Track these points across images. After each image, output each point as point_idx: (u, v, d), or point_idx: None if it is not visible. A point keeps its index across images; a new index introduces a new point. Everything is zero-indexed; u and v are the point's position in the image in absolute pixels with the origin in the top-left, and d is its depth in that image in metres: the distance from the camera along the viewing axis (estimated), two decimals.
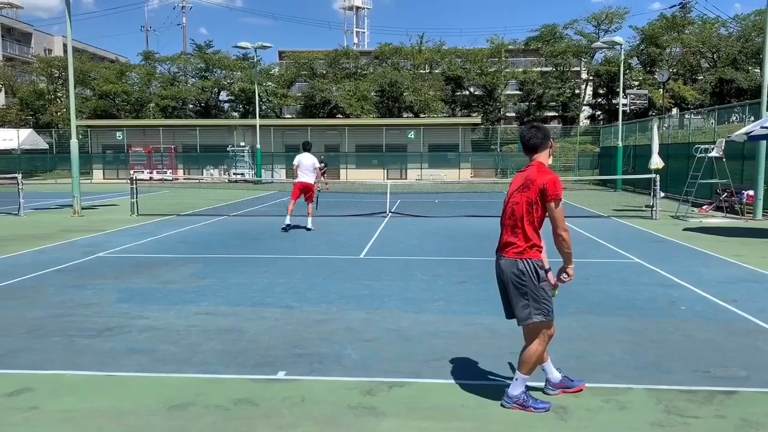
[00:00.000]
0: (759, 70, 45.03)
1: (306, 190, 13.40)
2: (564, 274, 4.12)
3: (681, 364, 4.95)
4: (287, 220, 13.32)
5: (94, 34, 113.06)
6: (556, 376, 4.36)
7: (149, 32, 76.29)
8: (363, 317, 6.36)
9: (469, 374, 4.75)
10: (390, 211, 17.13)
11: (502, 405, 4.11)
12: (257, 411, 4.09)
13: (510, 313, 4.20)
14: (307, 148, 13.66)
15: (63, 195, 22.85)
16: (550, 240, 4.06)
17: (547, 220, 4.05)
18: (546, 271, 4.13)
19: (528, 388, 4.15)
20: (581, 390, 4.35)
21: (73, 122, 17.99)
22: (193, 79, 54.23)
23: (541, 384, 4.40)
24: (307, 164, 13.34)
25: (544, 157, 4.13)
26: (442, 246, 11.26)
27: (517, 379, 4.10)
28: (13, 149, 39.15)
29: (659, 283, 8.00)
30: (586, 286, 7.67)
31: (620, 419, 3.95)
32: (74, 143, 17.66)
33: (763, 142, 14.87)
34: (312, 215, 13.62)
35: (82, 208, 17.37)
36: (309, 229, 13.29)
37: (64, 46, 47.07)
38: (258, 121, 35.87)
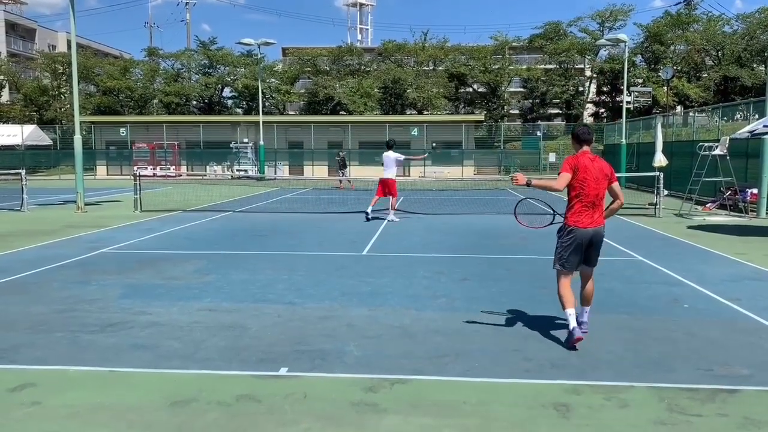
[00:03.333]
0: (764, 68, 45.04)
1: (388, 186, 14.59)
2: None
3: (683, 362, 4.94)
4: (369, 212, 14.67)
5: (98, 30, 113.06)
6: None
7: (153, 29, 76.35)
8: (365, 314, 6.36)
9: (471, 371, 4.75)
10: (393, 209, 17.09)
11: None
12: (260, 407, 4.10)
13: (578, 265, 5.50)
14: (389, 145, 14.92)
15: (67, 191, 22.89)
16: None
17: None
18: None
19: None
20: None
21: (77, 118, 18.03)
22: (197, 76, 54.24)
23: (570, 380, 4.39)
24: (389, 161, 14.58)
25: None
26: (445, 243, 11.26)
27: (587, 312, 5.59)
28: (17, 145, 39.27)
29: (662, 281, 7.99)
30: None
31: (622, 417, 3.95)
32: (78, 139, 17.70)
33: (767, 138, 14.82)
34: (394, 209, 14.86)
35: (86, 204, 17.42)
36: (391, 221, 14.38)
37: (68, 42, 47.09)
38: (261, 118, 35.90)
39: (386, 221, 14.36)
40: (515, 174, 5.47)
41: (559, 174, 5.43)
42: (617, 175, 5.68)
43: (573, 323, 5.25)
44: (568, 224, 5.43)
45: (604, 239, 5.57)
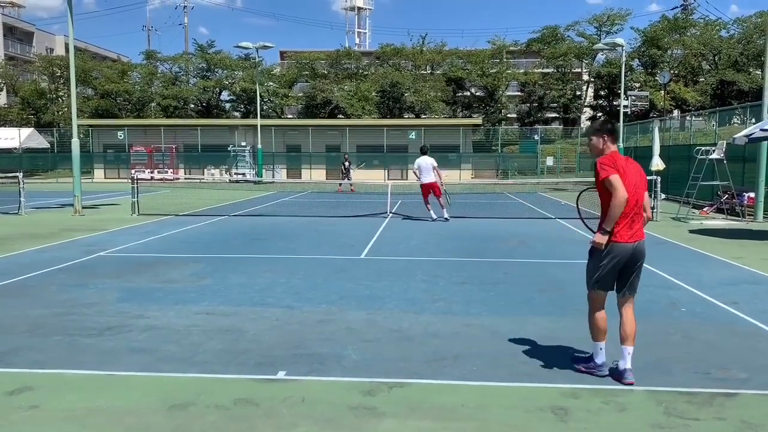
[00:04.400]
0: (760, 72, 45.11)
1: (432, 189, 15.13)
2: None
3: (681, 365, 4.95)
4: (433, 215, 15.17)
5: (96, 33, 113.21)
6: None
7: (151, 32, 76.39)
8: (363, 317, 6.36)
9: (469, 375, 4.75)
10: (391, 212, 17.13)
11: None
12: (257, 411, 4.10)
13: (621, 288, 4.67)
14: (424, 151, 15.39)
15: (64, 194, 22.86)
16: None
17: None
18: None
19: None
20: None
21: (75, 121, 18.01)
22: (195, 79, 54.26)
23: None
24: (426, 166, 14.98)
25: None
26: (443, 247, 11.27)
27: (629, 354, 4.59)
28: (14, 148, 39.12)
29: (660, 284, 8.00)
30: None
31: (620, 421, 3.96)
32: (75, 142, 17.68)
33: (764, 144, 14.87)
34: (444, 206, 15.21)
35: (83, 207, 17.39)
36: (447, 219, 14.94)
37: (66, 45, 47.10)
38: (259, 121, 35.90)
39: (442, 219, 14.95)
40: (594, 240, 4.57)
41: (602, 183, 4.51)
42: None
43: (602, 358, 4.69)
44: None
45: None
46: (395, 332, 5.85)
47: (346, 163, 29.23)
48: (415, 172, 15.44)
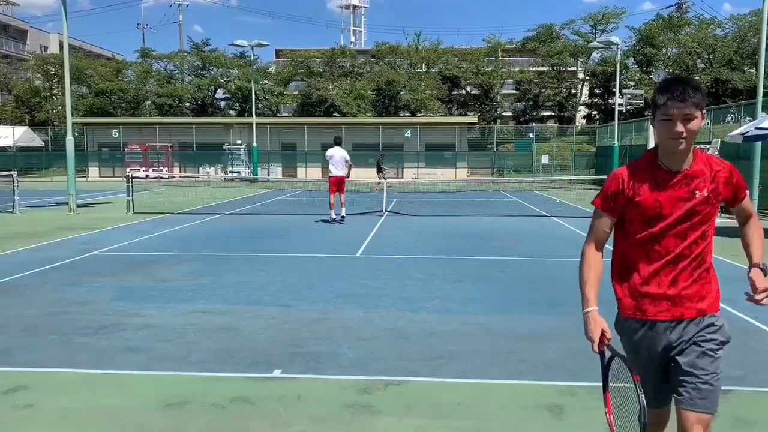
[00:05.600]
0: (754, 71, 45.26)
1: (339, 184, 14.19)
2: None
3: None
4: (333, 215, 14.29)
5: (90, 31, 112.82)
6: None
7: (145, 30, 76.13)
8: (359, 316, 6.36)
9: (465, 373, 4.76)
10: (386, 210, 17.13)
11: None
12: (253, 409, 4.09)
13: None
14: (337, 142, 14.45)
15: (59, 193, 22.78)
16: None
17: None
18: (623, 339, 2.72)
19: None
20: None
21: (69, 120, 17.96)
22: (190, 77, 54.10)
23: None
24: (339, 158, 14.05)
25: None
26: (439, 245, 11.27)
27: None
28: (8, 147, 38.93)
29: None
30: None
31: None
32: (70, 140, 17.62)
33: (758, 143, 14.92)
34: (344, 205, 14.52)
35: (78, 206, 17.33)
36: (342, 218, 14.30)
37: (60, 43, 46.92)
38: (255, 120, 35.85)
39: (338, 219, 14.23)
40: (756, 298, 2.67)
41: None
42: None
43: None
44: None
45: None
46: (391, 330, 5.85)
47: (380, 159, 29.23)
48: (329, 162, 14.21)
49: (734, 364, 4.94)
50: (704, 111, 2.51)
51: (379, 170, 28.33)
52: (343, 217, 14.46)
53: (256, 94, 39.91)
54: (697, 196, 2.47)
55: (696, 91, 2.46)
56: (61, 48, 22.17)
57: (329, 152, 14.17)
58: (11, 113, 51.59)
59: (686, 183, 2.48)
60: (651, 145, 17.07)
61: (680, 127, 2.40)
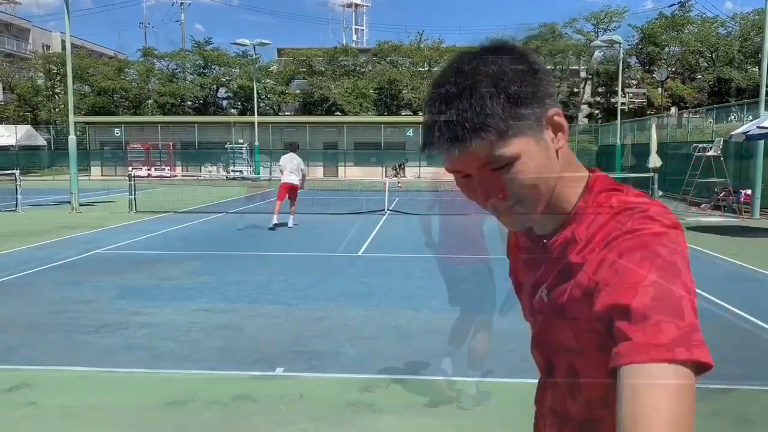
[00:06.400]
0: (757, 70, 45.15)
1: (292, 191, 13.20)
2: None
3: None
4: (275, 220, 13.03)
5: (93, 30, 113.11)
6: None
7: (147, 29, 76.19)
8: (361, 314, 6.37)
9: (466, 371, 4.75)
10: (388, 209, 17.13)
11: None
12: (255, 407, 4.10)
13: None
14: (293, 148, 13.41)
15: (61, 191, 22.79)
16: None
17: None
18: None
19: None
20: None
21: (71, 118, 17.97)
22: (192, 76, 54.13)
23: None
24: (291, 166, 13.10)
25: None
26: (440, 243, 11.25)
27: None
28: (10, 145, 39.09)
29: None
30: None
31: None
32: (72, 139, 17.65)
33: (761, 141, 14.90)
34: (294, 214, 13.41)
35: (80, 205, 17.35)
36: (291, 227, 13.17)
37: (63, 42, 47.00)
38: (256, 119, 35.83)
39: (288, 226, 13.21)
40: None
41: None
42: (613, 176, 2.30)
43: None
44: None
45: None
46: (393, 329, 5.86)
47: (402, 162, 29.77)
48: (281, 170, 13.23)
49: (735, 362, 4.94)
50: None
51: (397, 171, 28.85)
52: (293, 226, 13.34)
53: (257, 93, 39.91)
54: None
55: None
56: (64, 47, 22.26)
57: (282, 159, 13.28)
58: (13, 112, 51.66)
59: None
60: (653, 144, 16.90)
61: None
